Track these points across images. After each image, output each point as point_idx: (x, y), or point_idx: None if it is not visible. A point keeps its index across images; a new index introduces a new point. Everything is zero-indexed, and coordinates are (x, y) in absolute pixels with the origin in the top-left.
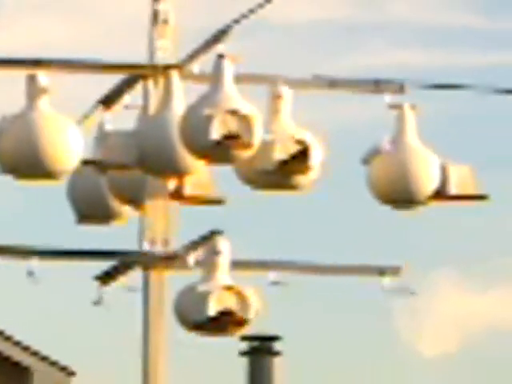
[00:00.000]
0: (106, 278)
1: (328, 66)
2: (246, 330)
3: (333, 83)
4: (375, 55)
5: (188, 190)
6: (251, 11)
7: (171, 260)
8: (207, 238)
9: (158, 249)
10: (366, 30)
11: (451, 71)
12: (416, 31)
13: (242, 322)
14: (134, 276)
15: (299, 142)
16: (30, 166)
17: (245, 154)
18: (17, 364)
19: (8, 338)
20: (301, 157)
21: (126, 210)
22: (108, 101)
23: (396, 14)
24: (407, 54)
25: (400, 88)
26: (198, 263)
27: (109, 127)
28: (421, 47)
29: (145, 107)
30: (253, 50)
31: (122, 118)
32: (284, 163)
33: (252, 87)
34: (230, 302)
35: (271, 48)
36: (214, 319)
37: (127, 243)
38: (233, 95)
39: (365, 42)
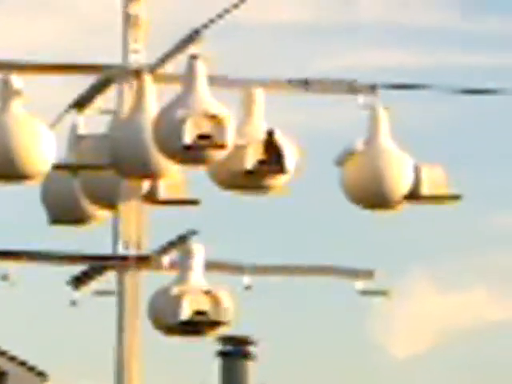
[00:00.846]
0: (81, 280)
1: (302, 67)
2: (220, 332)
3: (306, 84)
4: (349, 56)
5: (162, 192)
6: (223, 13)
7: (145, 262)
8: (181, 240)
9: (132, 251)
10: (340, 31)
11: (426, 72)
12: (390, 32)
13: (215, 324)
14: (108, 278)
15: (272, 143)
16: (4, 168)
17: (218, 156)
18: None
19: None
20: (274, 159)
21: (100, 212)
22: (81, 104)
23: (371, 14)
24: (381, 55)
25: (373, 89)
26: (171, 265)
27: (82, 130)
28: (395, 48)
29: (118, 110)
30: (226, 52)
31: (95, 120)
32: (257, 165)
33: (225, 90)
34: (204, 304)
35: (244, 50)
36: (188, 321)
37: (101, 245)
38: (206, 97)
39: (338, 43)
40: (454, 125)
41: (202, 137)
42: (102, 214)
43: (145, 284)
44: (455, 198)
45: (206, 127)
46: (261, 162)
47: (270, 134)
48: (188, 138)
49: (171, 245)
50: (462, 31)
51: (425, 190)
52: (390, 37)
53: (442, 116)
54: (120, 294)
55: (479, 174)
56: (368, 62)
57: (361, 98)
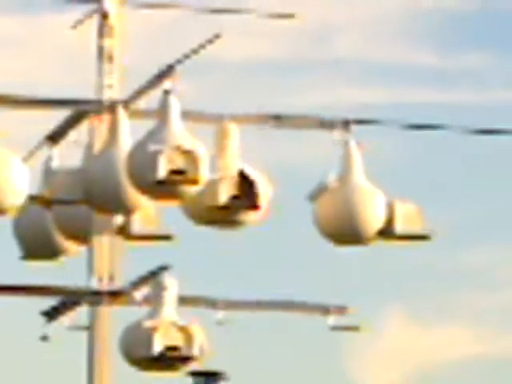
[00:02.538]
0: (53, 314)
1: (277, 103)
2: (192, 367)
3: (279, 120)
4: (326, 93)
5: (135, 227)
6: (196, 49)
7: (118, 296)
8: (154, 275)
9: (105, 285)
10: (315, 67)
11: (399, 108)
12: (364, 69)
13: (187, 358)
14: (81, 312)
15: (245, 179)
16: None
17: (192, 191)
18: None
19: None
20: (247, 194)
21: (73, 246)
22: (54, 137)
23: (346, 51)
24: (357, 92)
25: (346, 125)
26: (144, 299)
27: (55, 164)
28: (371, 85)
29: (91, 144)
30: (202, 87)
31: (69, 154)
32: (230, 200)
33: (199, 124)
34: (176, 339)
35: (220, 85)
36: (159, 355)
37: (74, 279)
38: (179, 131)
39: (314, 80)
40: (428, 161)
41: (175, 172)
42: (75, 248)
43: (117, 318)
44: (428, 236)
45: (180, 162)
46: (234, 197)
47: (241, 173)
48: (161, 172)
49: (144, 279)
50: (438, 69)
51: (398, 227)
52: (365, 74)
53: (415, 153)
54: (92, 329)
55: (453, 210)
56: (343, 98)
57: (334, 134)
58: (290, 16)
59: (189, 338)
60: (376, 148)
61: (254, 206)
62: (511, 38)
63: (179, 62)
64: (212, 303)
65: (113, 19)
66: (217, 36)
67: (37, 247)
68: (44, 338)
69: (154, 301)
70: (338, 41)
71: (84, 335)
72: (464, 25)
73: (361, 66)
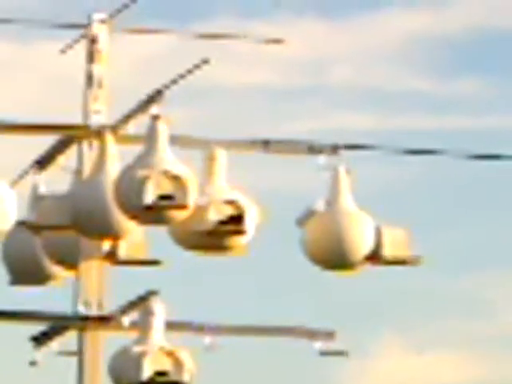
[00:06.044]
0: (41, 339)
1: (269, 129)
2: None
3: (267, 145)
4: (316, 119)
5: (122, 252)
6: (184, 74)
7: (106, 322)
8: (142, 300)
9: (93, 310)
10: (306, 93)
11: (388, 134)
12: (356, 95)
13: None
14: (69, 338)
15: (233, 204)
16: None
17: (179, 216)
18: None
19: None
20: (235, 219)
21: (61, 271)
22: (42, 163)
23: (338, 77)
24: (348, 118)
25: (333, 150)
26: (132, 325)
27: (43, 189)
28: (364, 111)
29: (79, 169)
30: (193, 113)
31: (57, 179)
32: (218, 225)
33: (187, 149)
34: (165, 364)
35: (211, 112)
36: (148, 381)
37: (62, 305)
38: (167, 157)
39: (305, 106)
40: (416, 187)
41: (163, 197)
42: (63, 274)
43: (105, 344)
44: (416, 260)
45: (168, 187)
46: (221, 223)
47: (229, 199)
48: (149, 197)
49: (132, 305)
50: (428, 94)
51: (386, 251)
52: (355, 99)
53: (403, 178)
54: (81, 354)
55: (441, 236)
56: (332, 124)
57: (322, 159)
58: (279, 41)
59: (177, 363)
60: (364, 173)
61: (241, 231)
62: (507, 63)
63: (167, 87)
64: (200, 328)
65: (101, 44)
66: (204, 61)
67: (25, 272)
68: (33, 364)
69: (143, 326)
70: (329, 67)
71: (73, 361)
72: (457, 51)
73: (351, 92)
